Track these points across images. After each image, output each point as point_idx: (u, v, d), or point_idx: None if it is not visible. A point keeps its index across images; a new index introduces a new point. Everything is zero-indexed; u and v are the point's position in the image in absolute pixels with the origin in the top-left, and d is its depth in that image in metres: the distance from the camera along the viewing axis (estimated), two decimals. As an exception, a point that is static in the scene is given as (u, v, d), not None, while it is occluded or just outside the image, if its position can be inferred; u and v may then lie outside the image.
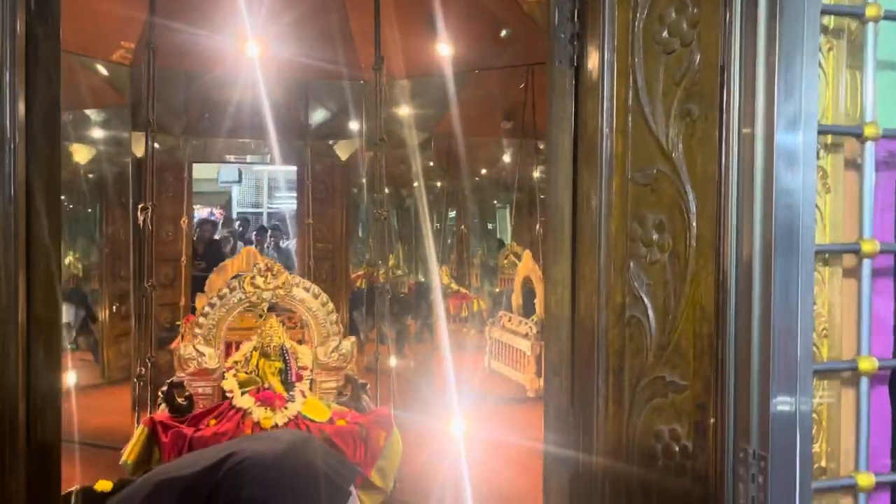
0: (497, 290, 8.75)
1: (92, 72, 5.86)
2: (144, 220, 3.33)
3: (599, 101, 1.68)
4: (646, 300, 1.63)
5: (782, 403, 1.38)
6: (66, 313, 7.37)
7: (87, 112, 6.67)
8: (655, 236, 1.61)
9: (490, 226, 10.16)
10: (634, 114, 1.64)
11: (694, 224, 1.54)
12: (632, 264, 1.65)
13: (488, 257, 9.58)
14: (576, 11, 1.79)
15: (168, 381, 3.27)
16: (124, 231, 7.23)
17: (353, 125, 7.20)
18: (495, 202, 10.07)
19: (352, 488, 2.16)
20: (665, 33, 1.58)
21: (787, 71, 1.34)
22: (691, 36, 1.54)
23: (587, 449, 1.75)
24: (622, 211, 1.67)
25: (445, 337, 6.16)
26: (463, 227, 9.30)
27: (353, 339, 3.38)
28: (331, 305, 3.38)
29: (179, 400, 3.07)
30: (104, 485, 2.22)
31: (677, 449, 1.57)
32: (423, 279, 8.15)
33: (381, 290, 3.98)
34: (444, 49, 4.45)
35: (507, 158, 8.71)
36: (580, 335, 1.78)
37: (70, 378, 6.43)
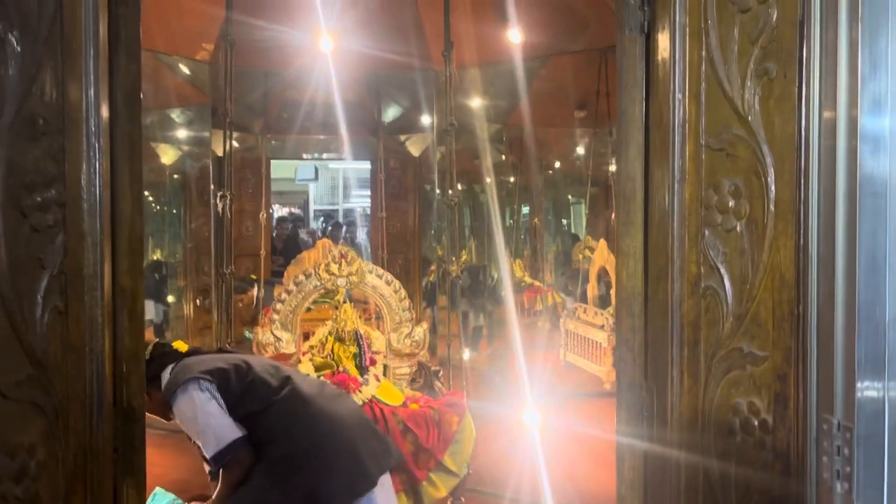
0: (571, 284, 8.63)
1: (175, 71, 6.10)
2: (223, 208, 3.44)
3: (671, 66, 1.64)
4: (722, 270, 1.58)
5: (869, 372, 1.31)
6: (154, 309, 7.71)
7: (171, 112, 6.94)
8: (731, 203, 1.56)
9: (564, 221, 10.04)
10: (708, 77, 1.59)
11: (772, 188, 1.48)
12: (707, 233, 1.60)
13: (562, 252, 9.47)
14: (646, -23, 1.75)
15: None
16: (207, 228, 7.49)
17: (426, 120, 7.24)
18: (569, 196, 9.94)
19: (383, 479, 2.23)
20: (740, -9, 1.53)
21: (871, 18, 1.27)
22: (768, -8, 1.48)
23: (661, 424, 1.70)
24: (696, 178, 1.62)
25: (518, 330, 6.12)
26: (536, 220, 9.22)
27: (425, 325, 3.40)
28: (403, 292, 3.41)
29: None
30: (180, 345, 2.38)
31: (756, 423, 1.51)
32: (495, 274, 8.12)
33: (453, 283, 3.98)
34: (515, 35, 4.42)
35: (580, 150, 8.59)
36: (653, 308, 1.74)
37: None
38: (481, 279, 7.84)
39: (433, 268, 7.79)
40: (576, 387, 6.34)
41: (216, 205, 3.37)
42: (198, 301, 7.82)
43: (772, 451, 1.48)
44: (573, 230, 9.87)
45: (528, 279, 8.25)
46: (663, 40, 1.67)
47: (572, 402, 5.72)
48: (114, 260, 1.53)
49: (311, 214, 13.75)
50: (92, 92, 1.42)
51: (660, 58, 1.69)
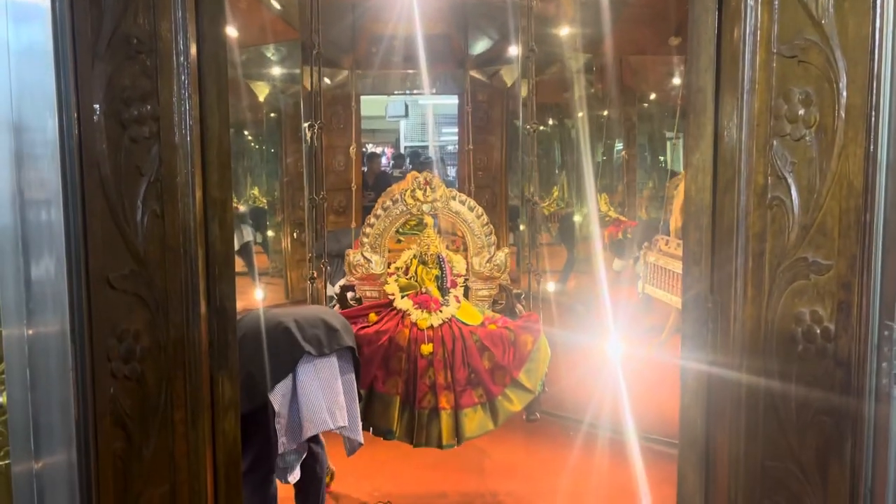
0: (662, 219, 8.46)
1: (267, 7, 6.25)
2: (312, 138, 3.57)
3: (745, -28, 1.60)
4: (789, 180, 1.57)
5: (934, 277, 1.30)
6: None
7: (265, 50, 7.13)
8: (801, 111, 1.53)
9: (661, 157, 9.77)
10: (782, -19, 1.55)
11: (844, 94, 1.45)
12: (775, 143, 1.59)
13: (658, 188, 9.25)
14: None
15: (340, 284, 3.56)
16: (300, 163, 7.72)
17: (514, 51, 7.15)
18: (665, 131, 9.65)
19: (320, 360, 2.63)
20: None
21: None
22: None
23: (724, 335, 1.73)
24: (766, 87, 1.60)
25: (601, 263, 6.10)
26: (624, 154, 9.02)
27: (506, 250, 3.47)
28: (485, 218, 3.48)
29: (351, 302, 3.34)
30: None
31: (818, 331, 1.52)
32: (585, 209, 8.06)
33: (534, 213, 4.02)
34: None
35: (676, 80, 8.28)
36: (720, 221, 1.74)
37: (258, 295, 7.13)
38: (567, 214, 7.81)
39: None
40: (654, 319, 6.29)
41: (307, 138, 3.50)
42: (294, 234, 8.16)
43: (833, 359, 1.49)
44: (670, 165, 9.60)
45: (612, 214, 8.15)
46: (737, -54, 1.63)
47: (649, 335, 5.70)
48: (204, 173, 1.66)
49: (403, 151, 13.91)
50: (180, 14, 1.53)
51: (733, -35, 1.65)
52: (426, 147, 13.33)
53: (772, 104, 1.59)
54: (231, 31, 5.10)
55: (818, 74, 1.49)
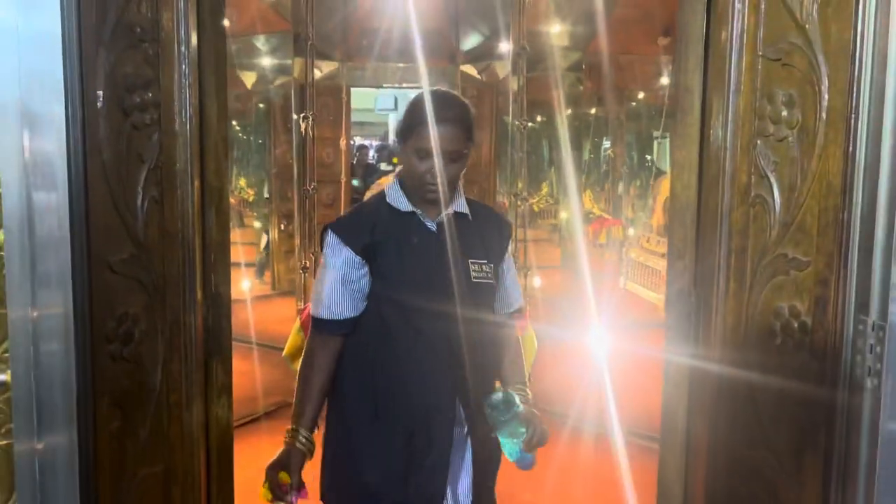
0: (646, 217, 8.55)
1: (257, -2, 6.27)
2: (306, 128, 3.60)
3: (732, -24, 1.65)
4: (772, 178, 1.62)
5: (906, 274, 1.35)
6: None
7: (255, 40, 7.13)
8: (785, 112, 1.59)
9: (648, 156, 9.85)
10: (769, -14, 1.60)
11: (826, 96, 1.50)
12: (759, 143, 1.64)
13: (644, 186, 9.33)
14: None
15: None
16: (289, 154, 7.72)
17: (504, 47, 7.19)
18: (652, 130, 9.73)
19: None
20: None
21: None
22: None
23: (707, 328, 1.79)
24: (751, 88, 1.65)
25: (584, 258, 6.17)
26: (610, 152, 9.08)
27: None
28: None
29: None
30: None
31: (796, 325, 1.58)
32: (571, 205, 8.11)
33: (519, 210, 4.07)
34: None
35: (664, 80, 8.34)
36: (704, 218, 1.80)
37: (244, 286, 7.15)
38: (554, 211, 7.87)
39: (504, 202, 7.85)
40: (636, 316, 6.38)
41: (299, 129, 3.52)
42: (282, 226, 8.17)
43: (809, 352, 1.55)
44: (657, 162, 9.68)
45: (596, 211, 8.22)
46: (726, -49, 1.68)
47: (632, 331, 5.79)
48: (202, 160, 1.70)
49: (391, 144, 13.91)
50: (182, 4, 1.56)
51: (721, -31, 1.70)
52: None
53: (756, 105, 1.64)
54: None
55: (801, 77, 1.55)
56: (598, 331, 4.76)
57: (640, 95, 8.93)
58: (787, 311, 1.60)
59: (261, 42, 7.35)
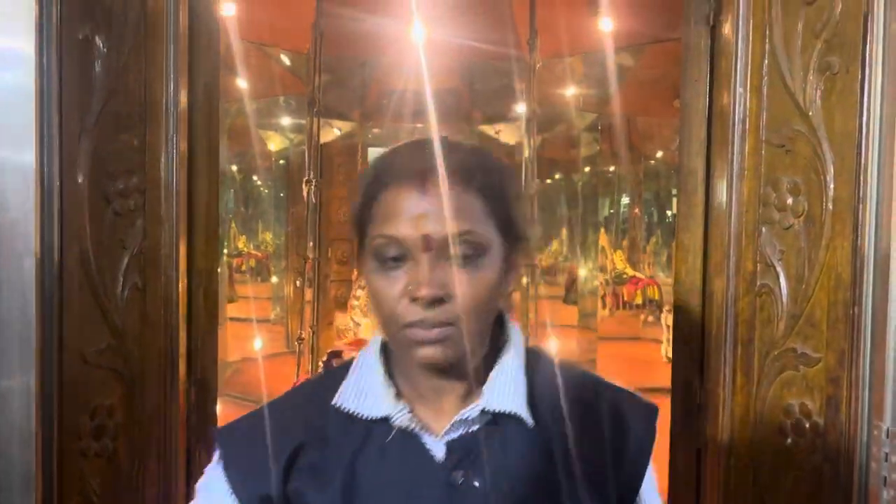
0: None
1: (278, 62, 6.37)
2: (308, 194, 3.59)
3: (734, 59, 1.61)
4: (778, 268, 1.55)
5: (922, 378, 1.27)
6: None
7: (276, 100, 7.24)
8: (790, 200, 1.52)
9: (669, 211, 9.78)
10: (770, 70, 1.56)
11: (831, 186, 1.44)
12: (764, 230, 1.58)
13: (666, 243, 9.23)
14: (713, -32, 1.72)
15: (329, 350, 3.52)
16: (305, 211, 7.73)
17: (520, 108, 7.24)
18: (672, 188, 9.67)
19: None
20: (805, -17, 1.49)
21: (932, 12, 1.22)
22: (833, -16, 1.43)
23: (714, 421, 1.69)
24: (755, 174, 1.59)
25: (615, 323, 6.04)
26: (637, 210, 9.03)
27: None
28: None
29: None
30: None
31: (808, 425, 1.48)
32: (591, 264, 8.03)
33: (532, 272, 4.01)
34: (608, 24, 4.37)
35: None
36: (710, 304, 1.72)
37: (257, 344, 7.09)
38: (571, 270, 7.79)
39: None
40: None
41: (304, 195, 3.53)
42: (297, 282, 8.16)
43: (822, 455, 1.45)
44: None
45: (629, 272, 8.11)
46: (727, 33, 1.65)
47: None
48: (191, 243, 1.66)
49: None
50: (172, 87, 1.55)
51: (723, 50, 1.67)
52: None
53: (761, 191, 1.58)
54: (242, 83, 5.21)
55: (806, 165, 1.49)
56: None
57: (659, 154, 8.91)
58: (797, 409, 1.50)
59: (280, 102, 7.47)
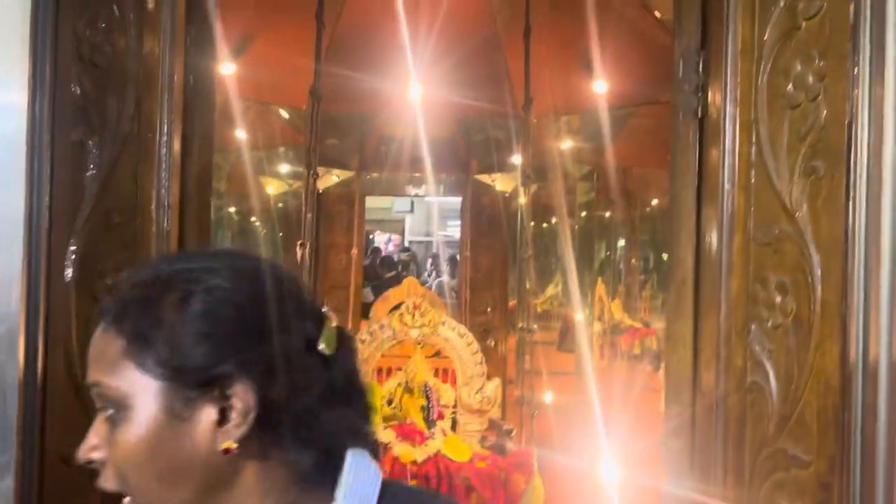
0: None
1: (279, 117, 6.48)
2: (302, 255, 3.60)
3: (721, 155, 1.63)
4: (767, 366, 1.54)
5: (913, 493, 1.25)
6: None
7: (274, 151, 7.33)
8: (778, 299, 1.52)
9: (665, 257, 9.78)
10: (758, 169, 1.57)
11: (819, 289, 1.44)
12: (753, 327, 1.57)
13: (662, 287, 9.20)
14: (701, 63, 1.75)
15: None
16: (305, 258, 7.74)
17: (516, 159, 7.32)
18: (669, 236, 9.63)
19: None
20: (790, 86, 1.51)
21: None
22: (817, 90, 1.45)
23: (705, 518, 1.67)
24: (744, 270, 1.60)
25: (612, 374, 6.00)
26: (633, 260, 9.06)
27: (497, 381, 3.42)
28: (476, 346, 3.45)
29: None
30: None
31: (800, 530, 1.46)
32: (586, 312, 8.00)
33: (526, 324, 4.00)
34: (601, 86, 4.44)
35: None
36: (700, 398, 1.71)
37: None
38: (566, 318, 7.77)
39: (513, 303, 7.70)
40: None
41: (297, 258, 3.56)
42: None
43: (815, 563, 1.42)
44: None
45: (627, 321, 8.06)
46: (715, 129, 1.67)
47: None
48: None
49: (406, 243, 14.10)
50: (164, 185, 1.56)
51: (712, 145, 1.69)
52: (431, 241, 13.47)
53: (749, 288, 1.58)
54: (241, 135, 5.30)
55: (794, 265, 1.49)
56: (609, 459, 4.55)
57: (654, 202, 8.95)
58: (789, 513, 1.49)
59: (281, 152, 7.55)
